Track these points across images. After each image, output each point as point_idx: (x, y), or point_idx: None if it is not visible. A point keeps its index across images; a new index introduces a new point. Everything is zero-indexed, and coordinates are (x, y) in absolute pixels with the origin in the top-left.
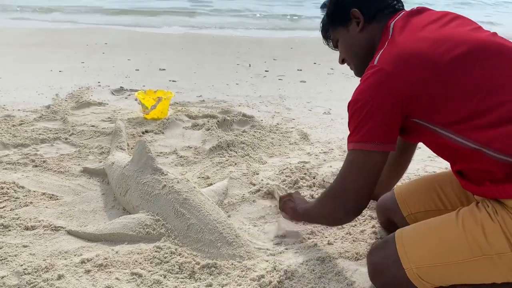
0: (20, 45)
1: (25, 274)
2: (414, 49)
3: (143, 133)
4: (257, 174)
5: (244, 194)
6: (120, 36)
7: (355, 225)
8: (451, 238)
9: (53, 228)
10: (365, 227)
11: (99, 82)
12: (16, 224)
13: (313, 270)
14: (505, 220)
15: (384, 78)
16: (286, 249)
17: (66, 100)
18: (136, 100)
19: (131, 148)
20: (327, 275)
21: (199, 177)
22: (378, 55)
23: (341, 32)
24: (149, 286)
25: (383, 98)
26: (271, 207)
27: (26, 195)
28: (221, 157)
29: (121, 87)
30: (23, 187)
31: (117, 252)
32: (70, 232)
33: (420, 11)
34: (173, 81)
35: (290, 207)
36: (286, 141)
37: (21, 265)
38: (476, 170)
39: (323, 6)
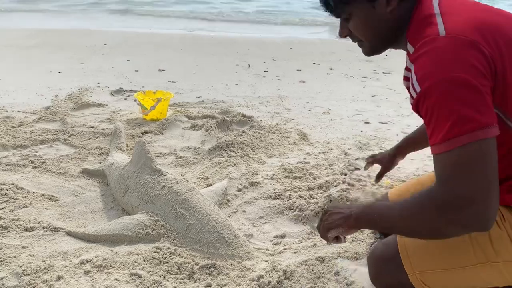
0: (20, 46)
1: (24, 275)
2: (487, 21)
3: (142, 133)
4: (257, 174)
5: (243, 195)
6: (119, 37)
7: None
8: (455, 243)
9: (53, 229)
10: None
11: (98, 83)
12: (16, 225)
13: (312, 270)
14: None
15: (472, 48)
16: (285, 249)
17: (65, 101)
18: (135, 101)
19: (131, 149)
20: (326, 275)
21: (199, 178)
22: (440, 26)
23: (363, 8)
24: (148, 287)
25: (476, 68)
26: (270, 207)
27: (25, 196)
28: (220, 157)
29: (120, 88)
30: (22, 188)
31: (116, 253)
32: (69, 233)
33: None
34: (172, 82)
35: (339, 217)
36: (285, 141)
37: (20, 266)
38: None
39: None
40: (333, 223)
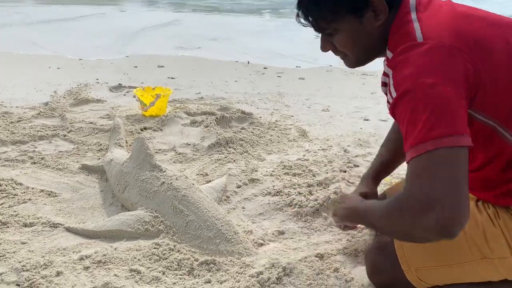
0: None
1: (23, 270)
2: (466, 28)
3: (141, 130)
4: (256, 171)
5: (242, 191)
6: (119, 32)
7: None
8: (450, 241)
9: (52, 225)
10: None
11: (97, 79)
12: (15, 221)
13: (312, 267)
14: (507, 225)
15: (451, 53)
16: (285, 245)
17: (64, 97)
18: (134, 97)
19: (130, 145)
20: (326, 272)
21: (198, 174)
22: (418, 31)
23: (350, 24)
24: (148, 283)
25: (457, 78)
26: (269, 204)
27: (24, 192)
28: (219, 154)
29: (119, 84)
30: (21, 184)
31: (115, 248)
32: (68, 229)
33: None
34: (171, 78)
35: (345, 207)
36: (285, 138)
37: (20, 262)
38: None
39: None
40: (341, 217)
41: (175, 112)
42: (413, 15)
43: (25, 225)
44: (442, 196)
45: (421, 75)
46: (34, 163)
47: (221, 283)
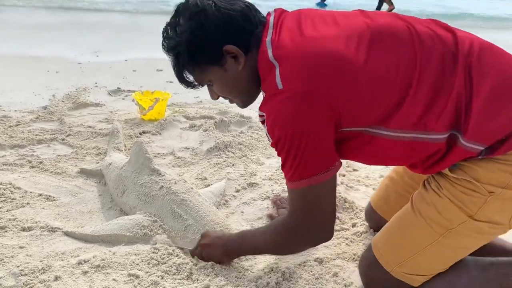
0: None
1: (21, 275)
2: (315, 54)
3: (140, 134)
4: (255, 175)
5: (241, 195)
6: (117, 35)
7: (353, 226)
8: (414, 227)
9: (50, 229)
10: (360, 228)
11: (96, 83)
12: (13, 225)
13: (311, 271)
14: (450, 191)
15: (306, 100)
16: None
17: (63, 101)
18: (133, 101)
19: (128, 149)
20: (325, 276)
21: (197, 178)
22: (277, 78)
23: (215, 72)
24: (146, 287)
25: (316, 121)
26: (268, 208)
27: (22, 196)
28: (218, 158)
29: (118, 88)
30: (19, 188)
31: (114, 253)
32: (67, 233)
33: (281, 13)
34: (170, 82)
35: (220, 254)
36: None
37: (18, 266)
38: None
39: (169, 49)
40: (216, 259)
41: (174, 116)
42: (271, 57)
43: (23, 229)
44: (318, 221)
45: (285, 126)
46: (33, 167)
47: None
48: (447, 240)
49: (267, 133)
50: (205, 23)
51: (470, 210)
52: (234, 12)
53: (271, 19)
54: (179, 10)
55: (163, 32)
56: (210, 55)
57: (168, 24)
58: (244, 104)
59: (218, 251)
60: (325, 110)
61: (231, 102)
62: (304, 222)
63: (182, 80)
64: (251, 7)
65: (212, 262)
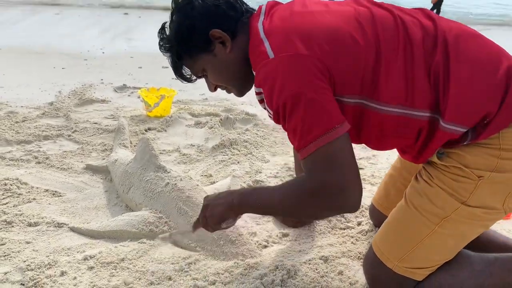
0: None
1: (28, 270)
2: (303, 27)
3: (146, 130)
4: (260, 172)
5: None
6: (123, 32)
7: (358, 224)
8: (409, 221)
9: (56, 225)
10: (365, 227)
11: (102, 80)
12: (19, 220)
13: (316, 269)
14: (440, 179)
15: (298, 62)
16: (289, 248)
17: (69, 97)
18: (139, 97)
19: (134, 146)
20: (330, 274)
21: (202, 175)
22: (268, 49)
23: (206, 59)
24: (152, 282)
25: (311, 80)
26: None
27: (29, 192)
28: (224, 155)
29: (124, 84)
30: (26, 184)
31: (120, 249)
32: (73, 229)
33: (274, 4)
34: (176, 79)
35: (224, 209)
36: (288, 140)
37: (24, 261)
38: (408, 144)
39: (165, 47)
40: (220, 216)
41: (180, 113)
42: (261, 34)
43: (30, 225)
44: (340, 180)
45: (282, 89)
46: (39, 162)
47: (225, 285)
48: (443, 229)
49: (267, 108)
50: (191, 12)
51: (462, 196)
52: (218, 1)
53: (263, 7)
54: (172, 9)
55: (158, 34)
56: (198, 42)
57: (162, 25)
58: (239, 91)
59: (221, 207)
60: (319, 69)
61: (228, 91)
62: (321, 182)
63: (179, 74)
64: None
65: (217, 233)
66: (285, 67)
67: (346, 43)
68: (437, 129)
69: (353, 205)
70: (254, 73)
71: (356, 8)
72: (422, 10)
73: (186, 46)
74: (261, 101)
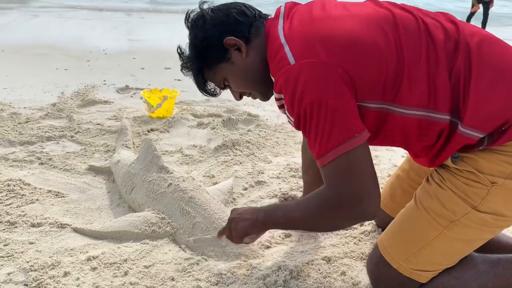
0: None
1: (31, 270)
2: (323, 33)
3: (148, 131)
4: (262, 173)
5: (249, 193)
6: (125, 33)
7: (360, 225)
8: (418, 222)
9: (59, 226)
10: (368, 227)
11: (104, 81)
12: (23, 221)
13: (319, 270)
14: (453, 182)
15: (321, 69)
16: (292, 248)
17: (71, 98)
18: (141, 98)
19: (137, 147)
20: (333, 275)
21: (204, 176)
22: (289, 55)
23: (225, 68)
24: (155, 283)
25: (333, 87)
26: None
27: (32, 192)
28: (226, 156)
29: (126, 85)
30: (29, 184)
31: (122, 250)
32: (76, 230)
33: (293, 5)
34: (178, 80)
35: (248, 224)
36: (291, 141)
37: (28, 262)
38: (424, 146)
39: (186, 67)
40: (244, 230)
41: (182, 114)
42: (282, 39)
43: (33, 225)
44: (359, 190)
45: (303, 96)
46: (42, 163)
47: (227, 285)
48: (451, 233)
49: (288, 115)
50: (204, 26)
51: (473, 201)
52: (228, 10)
53: (282, 9)
54: (188, 28)
55: (179, 57)
56: (215, 53)
57: (179, 48)
58: (263, 95)
59: (246, 222)
60: (341, 77)
61: (253, 97)
62: (341, 193)
63: (203, 89)
64: (247, 5)
65: (241, 244)
66: (306, 74)
67: (368, 50)
68: (455, 133)
69: (372, 213)
70: (272, 78)
71: (377, 10)
72: (443, 13)
73: (204, 59)
74: (280, 106)
